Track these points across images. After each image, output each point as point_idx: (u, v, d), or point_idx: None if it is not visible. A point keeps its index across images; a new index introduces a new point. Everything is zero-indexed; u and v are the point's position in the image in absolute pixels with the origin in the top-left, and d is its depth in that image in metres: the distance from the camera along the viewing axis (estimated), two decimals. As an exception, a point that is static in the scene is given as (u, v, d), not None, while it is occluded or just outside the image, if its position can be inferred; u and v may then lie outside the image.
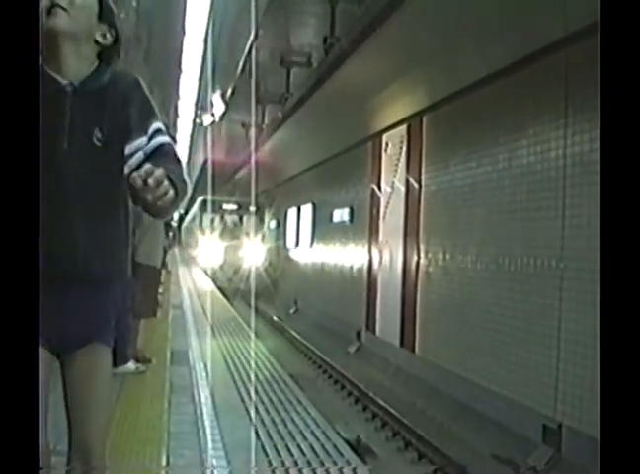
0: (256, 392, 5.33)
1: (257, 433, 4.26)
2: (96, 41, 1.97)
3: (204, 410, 4.73)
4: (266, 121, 17.85)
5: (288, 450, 4.00)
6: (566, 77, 7.10)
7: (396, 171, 12.39)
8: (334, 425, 5.45)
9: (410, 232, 11.50)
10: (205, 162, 25.29)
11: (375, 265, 13.45)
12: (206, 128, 23.18)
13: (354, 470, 3.75)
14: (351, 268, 15.17)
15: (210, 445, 3.92)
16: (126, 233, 2.01)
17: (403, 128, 11.96)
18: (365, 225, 14.03)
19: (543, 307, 7.42)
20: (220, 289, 17.39)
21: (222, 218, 25.13)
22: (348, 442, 4.87)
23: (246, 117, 18.33)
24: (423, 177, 11.11)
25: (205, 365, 6.38)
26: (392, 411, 9.25)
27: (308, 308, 18.76)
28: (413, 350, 11.13)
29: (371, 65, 10.17)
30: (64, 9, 1.87)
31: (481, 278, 8.99)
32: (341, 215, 16.08)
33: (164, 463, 3.60)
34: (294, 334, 16.51)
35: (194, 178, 28.22)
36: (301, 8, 11.26)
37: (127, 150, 1.87)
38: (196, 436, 4.09)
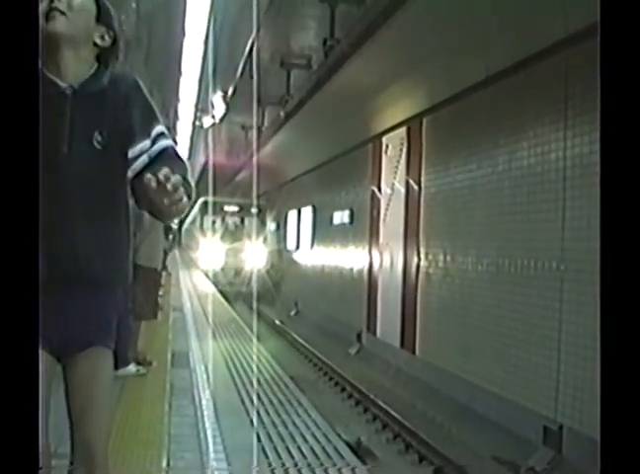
0: (257, 395, 5.33)
1: (258, 435, 4.26)
2: (95, 44, 1.96)
3: (205, 412, 4.73)
4: (266, 123, 17.86)
5: (289, 452, 4.00)
6: (566, 78, 7.09)
7: (396, 173, 12.38)
8: (334, 427, 5.44)
9: (410, 234, 11.49)
10: (206, 163, 25.21)
11: (376, 266, 13.43)
12: (206, 131, 23.13)
13: (352, 470, 3.75)
14: (351, 269, 15.15)
15: (211, 448, 3.93)
16: (127, 235, 2.01)
17: (403, 130, 11.95)
18: (366, 227, 14.02)
19: (543, 309, 7.41)
20: (221, 293, 17.24)
21: (223, 220, 24.90)
22: (348, 444, 4.87)
23: (246, 119, 18.33)
24: (423, 179, 11.10)
25: (206, 368, 6.37)
26: (393, 413, 9.25)
27: (309, 310, 18.74)
28: (413, 351, 11.12)
29: (371, 67, 10.18)
30: (62, 13, 1.87)
31: (481, 280, 8.98)
32: (341, 217, 16.06)
33: (165, 465, 3.60)
34: (295, 336, 16.49)
35: (194, 180, 28.08)
36: (301, 10, 11.26)
37: (130, 154, 1.87)
38: (196, 439, 4.09)
